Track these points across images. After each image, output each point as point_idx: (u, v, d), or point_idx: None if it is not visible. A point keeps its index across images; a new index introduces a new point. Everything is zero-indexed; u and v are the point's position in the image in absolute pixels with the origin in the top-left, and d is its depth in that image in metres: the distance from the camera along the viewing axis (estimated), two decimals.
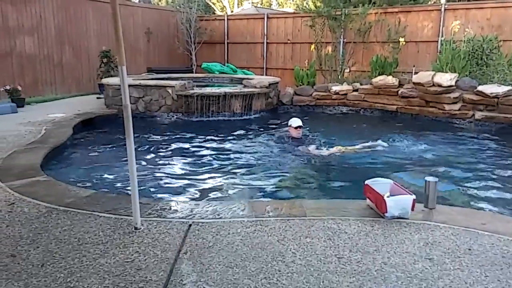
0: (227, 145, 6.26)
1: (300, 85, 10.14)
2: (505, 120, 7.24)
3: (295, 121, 6.09)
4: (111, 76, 9.99)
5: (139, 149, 5.63)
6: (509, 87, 7.35)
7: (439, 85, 7.84)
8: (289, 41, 12.88)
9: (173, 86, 7.99)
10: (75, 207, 3.16)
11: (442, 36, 10.22)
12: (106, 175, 4.65)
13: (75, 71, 10.94)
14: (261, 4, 31.13)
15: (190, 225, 2.85)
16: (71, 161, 5.23)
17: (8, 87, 8.44)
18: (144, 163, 5.10)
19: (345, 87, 9.59)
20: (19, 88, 8.58)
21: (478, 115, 7.57)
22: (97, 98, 9.86)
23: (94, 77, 10.86)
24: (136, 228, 2.78)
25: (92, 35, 11.28)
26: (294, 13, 15.20)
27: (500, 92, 7.31)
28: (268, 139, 6.54)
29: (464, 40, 8.55)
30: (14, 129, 6.18)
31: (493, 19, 9.76)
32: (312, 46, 11.58)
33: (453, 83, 7.80)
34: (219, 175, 4.83)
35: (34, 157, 4.59)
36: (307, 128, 6.76)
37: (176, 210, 3.13)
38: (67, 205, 3.20)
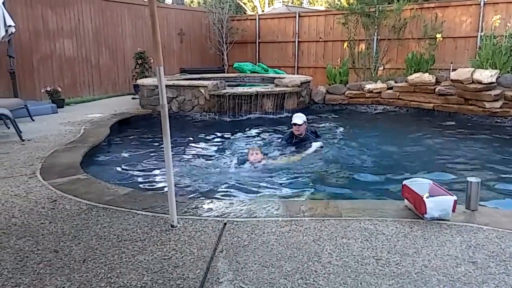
0: (257, 144, 6.25)
1: (333, 83, 10.01)
2: None
3: (294, 118, 5.64)
4: (146, 77, 10.22)
5: (173, 148, 5.72)
6: None
7: (479, 82, 7.54)
8: (321, 39, 12.74)
9: (206, 86, 8.07)
10: (114, 204, 3.25)
11: (481, 31, 9.82)
12: (142, 173, 4.76)
13: (111, 73, 11.26)
14: (292, 3, 30.98)
15: (225, 223, 2.87)
16: (109, 159, 5.38)
17: (48, 89, 8.79)
18: (178, 161, 5.18)
19: (379, 85, 9.39)
20: (59, 89, 8.92)
21: None
22: (132, 98, 10.10)
23: (129, 78, 11.15)
24: (172, 226, 2.83)
25: (127, 37, 11.57)
26: (326, 10, 15.04)
27: None
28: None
29: (506, 35, 8.18)
30: (55, 128, 6.43)
31: None
32: (345, 44, 11.41)
33: (494, 79, 7.49)
34: (252, 173, 4.82)
35: (74, 155, 4.76)
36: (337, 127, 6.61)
37: (211, 209, 3.16)
38: (106, 202, 3.29)
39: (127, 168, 4.97)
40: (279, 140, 6.01)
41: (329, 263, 2.35)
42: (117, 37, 11.33)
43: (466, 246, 2.53)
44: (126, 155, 5.62)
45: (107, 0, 11.21)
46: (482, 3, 10.00)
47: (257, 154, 5.06)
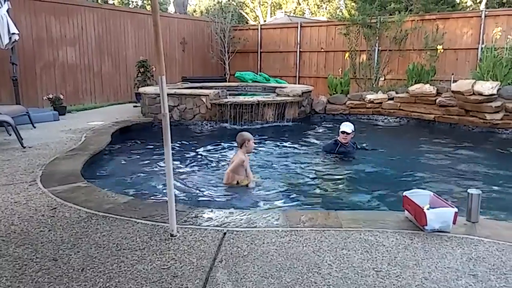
0: (259, 154, 6.26)
1: (334, 93, 10.05)
2: None
3: (343, 126, 5.92)
4: (148, 85, 10.27)
5: (174, 156, 5.72)
6: None
7: (480, 94, 7.55)
8: (322, 50, 12.82)
9: (207, 95, 8.10)
10: (114, 213, 3.24)
11: (482, 43, 9.87)
12: (143, 182, 4.75)
13: (113, 81, 11.32)
14: (294, 13, 31.23)
15: (225, 233, 2.86)
16: (109, 167, 5.39)
17: (51, 96, 8.83)
18: (179, 170, 5.18)
19: (380, 95, 9.41)
20: (61, 96, 8.96)
21: None
22: (134, 106, 10.13)
23: (131, 86, 11.20)
24: (172, 235, 2.82)
25: (129, 45, 11.66)
26: (327, 21, 15.14)
27: None
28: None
29: (506, 48, 8.22)
30: (56, 136, 6.44)
31: None
32: (347, 54, 11.47)
33: (494, 91, 7.50)
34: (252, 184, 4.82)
35: (74, 163, 4.76)
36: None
37: (211, 218, 3.15)
38: (106, 211, 3.28)
39: (127, 176, 4.97)
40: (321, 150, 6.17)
41: (329, 275, 2.34)
42: (119, 45, 11.42)
43: (467, 259, 2.52)
44: (127, 163, 5.62)
45: (110, 9, 11.33)
46: (483, 15, 10.07)
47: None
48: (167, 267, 2.42)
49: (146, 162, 5.65)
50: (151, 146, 6.46)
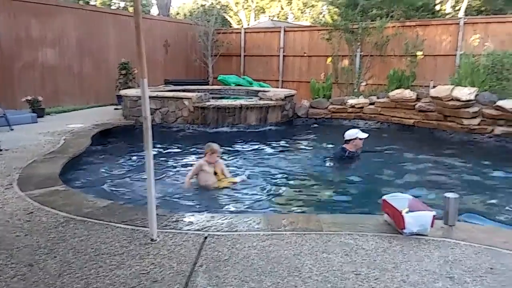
0: (242, 157, 6.26)
1: (316, 98, 10.12)
2: None
3: (359, 133, 5.80)
4: (129, 87, 10.16)
5: (155, 159, 5.67)
6: None
7: (458, 100, 7.71)
8: (305, 54, 12.91)
9: (190, 98, 8.07)
10: (92, 217, 3.19)
11: (461, 50, 10.11)
12: (123, 186, 4.69)
13: (94, 83, 11.16)
14: (277, 17, 31.40)
15: (206, 237, 2.85)
16: (89, 171, 5.30)
17: (29, 98, 8.64)
18: (160, 174, 5.13)
19: (361, 100, 9.53)
20: (40, 98, 8.78)
21: (498, 130, 7.42)
22: (115, 109, 10.00)
23: (113, 88, 11.05)
24: (152, 240, 2.79)
25: (111, 47, 11.52)
26: (310, 26, 15.30)
27: None
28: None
29: (484, 54, 8.44)
30: (34, 138, 6.30)
31: None
32: (329, 59, 11.58)
33: (472, 97, 7.67)
34: (234, 187, 4.81)
35: (53, 166, 4.67)
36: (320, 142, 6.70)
37: (192, 222, 3.13)
38: (85, 215, 3.23)
39: (107, 180, 4.90)
40: (329, 158, 6.05)
41: (309, 278, 2.35)
42: (101, 47, 11.27)
43: (444, 262, 2.56)
44: (107, 166, 5.54)
45: (92, 10, 11.19)
46: (461, 23, 10.33)
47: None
48: (147, 272, 2.39)
49: (127, 165, 5.59)
50: (132, 149, 6.38)
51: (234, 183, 4.74)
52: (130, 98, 8.37)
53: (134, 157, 5.92)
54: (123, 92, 8.93)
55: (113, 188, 4.59)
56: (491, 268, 2.48)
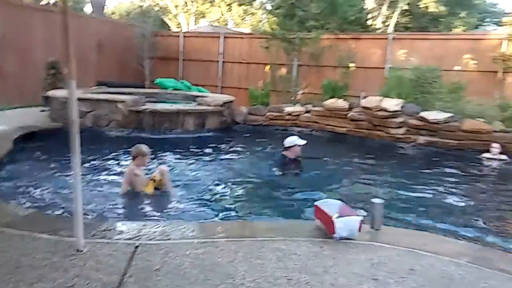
0: (177, 163, 6.15)
1: (254, 104, 10.24)
2: (444, 145, 7.70)
3: (298, 140, 5.81)
4: (58, 88, 9.57)
5: (83, 165, 5.38)
6: (449, 114, 7.84)
7: (386, 110, 8.22)
8: (244, 61, 13.04)
9: (124, 101, 7.79)
10: (12, 227, 2.95)
11: (389, 63, 10.79)
12: (48, 193, 4.40)
13: (18, 82, 10.38)
14: (218, 23, 31.41)
15: (137, 246, 2.75)
16: (9, 177, 4.90)
17: None
18: (87, 180, 4.86)
19: (298, 108, 9.80)
20: None
21: (421, 139, 8.00)
22: (41, 111, 9.34)
23: (40, 88, 10.34)
24: (78, 251, 2.63)
25: (38, 44, 10.80)
26: (250, 34, 15.49)
27: (440, 119, 7.79)
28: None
29: (409, 68, 9.07)
30: None
31: (435, 50, 10.48)
32: (267, 67, 11.79)
33: (398, 108, 8.21)
34: (170, 193, 4.71)
35: None
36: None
37: (122, 231, 3.01)
38: (4, 225, 2.97)
39: (30, 187, 4.55)
40: (269, 165, 5.97)
41: (242, 285, 2.35)
42: (27, 43, 10.54)
43: (370, 264, 2.69)
44: (30, 172, 5.15)
45: (18, 5, 10.44)
46: (390, 38, 11.03)
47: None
48: (71, 285, 2.26)
49: (52, 171, 5.24)
50: (59, 155, 5.96)
51: (167, 186, 4.57)
52: (59, 100, 7.89)
53: (60, 163, 5.55)
54: (50, 93, 8.40)
55: (37, 196, 4.28)
56: (411, 269, 2.65)
